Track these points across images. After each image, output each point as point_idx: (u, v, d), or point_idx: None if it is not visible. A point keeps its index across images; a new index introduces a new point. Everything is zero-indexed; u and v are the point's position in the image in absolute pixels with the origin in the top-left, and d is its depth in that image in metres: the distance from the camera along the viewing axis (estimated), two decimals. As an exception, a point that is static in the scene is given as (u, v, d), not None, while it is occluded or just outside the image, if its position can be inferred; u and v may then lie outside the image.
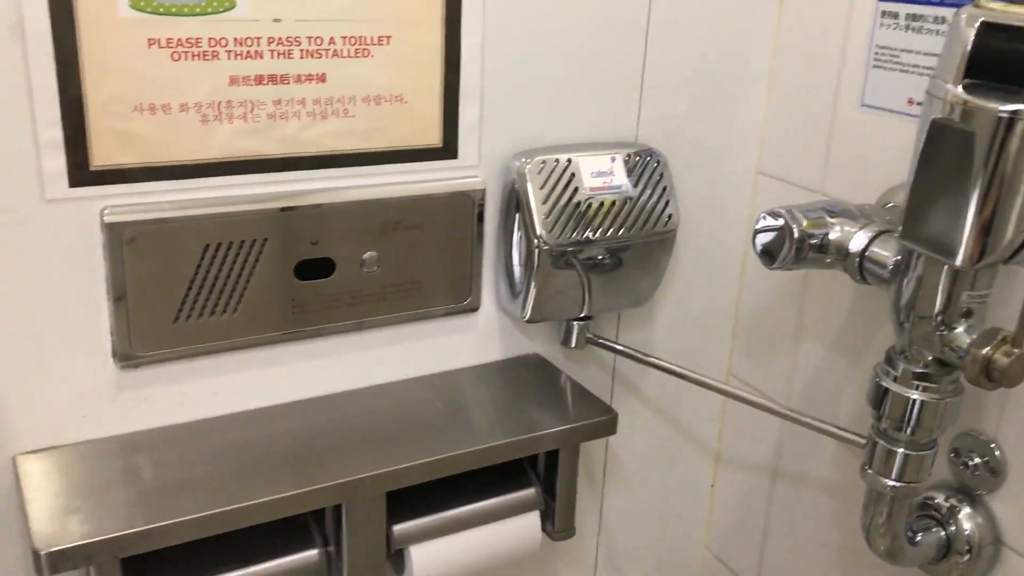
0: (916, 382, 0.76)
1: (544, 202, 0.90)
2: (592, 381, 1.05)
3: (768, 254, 0.86)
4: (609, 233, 0.92)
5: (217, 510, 0.73)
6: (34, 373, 0.77)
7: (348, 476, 0.79)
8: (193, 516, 0.72)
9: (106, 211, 0.75)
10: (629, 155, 0.94)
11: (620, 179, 0.93)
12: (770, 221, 0.85)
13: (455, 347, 0.96)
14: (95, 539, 0.69)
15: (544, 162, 0.90)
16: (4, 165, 0.71)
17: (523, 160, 0.90)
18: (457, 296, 0.94)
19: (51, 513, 0.71)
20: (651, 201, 0.95)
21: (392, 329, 0.92)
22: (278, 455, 0.81)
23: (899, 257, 0.78)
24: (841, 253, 0.82)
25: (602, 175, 0.92)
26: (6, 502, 0.78)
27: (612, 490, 1.14)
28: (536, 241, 0.90)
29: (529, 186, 0.90)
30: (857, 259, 0.81)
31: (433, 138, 0.88)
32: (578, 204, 0.91)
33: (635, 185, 0.94)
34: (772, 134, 1.05)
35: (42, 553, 0.67)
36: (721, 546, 1.22)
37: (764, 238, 0.86)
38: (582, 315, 0.98)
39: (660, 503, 1.19)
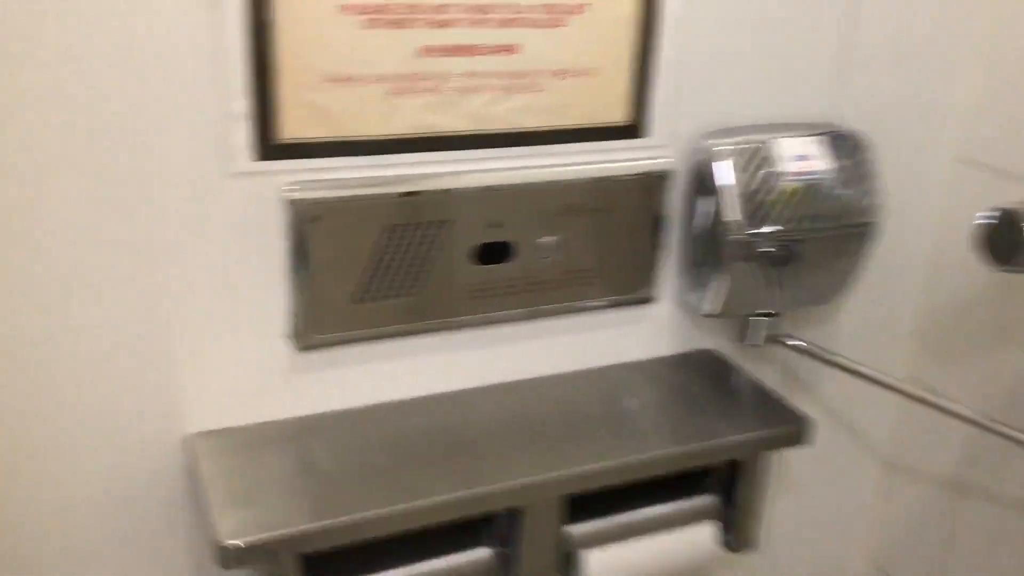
0: None
1: (738, 187, 0.83)
2: (767, 380, 0.98)
3: (995, 253, 0.77)
4: (805, 222, 0.85)
5: (399, 508, 0.69)
6: (209, 351, 0.74)
7: (528, 477, 0.74)
8: (376, 514, 0.69)
9: (290, 187, 0.71)
10: (832, 137, 0.86)
11: (821, 164, 0.85)
12: (997, 217, 0.76)
13: (629, 340, 0.90)
14: (279, 534, 0.66)
15: (739, 143, 0.83)
16: (189, 135, 0.68)
17: (716, 141, 0.83)
18: (634, 286, 0.88)
19: (231, 502, 0.68)
20: (852, 189, 0.87)
21: (565, 319, 0.86)
22: (456, 446, 0.77)
23: None
24: (1085, 254, 0.73)
25: (802, 159, 0.85)
26: (176, 481, 0.76)
27: (776, 497, 1.07)
28: (727, 230, 0.83)
29: (722, 169, 0.83)
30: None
31: (620, 115, 0.81)
32: (774, 190, 0.84)
33: (836, 171, 0.86)
34: (977, 118, 0.96)
35: (229, 547, 0.64)
36: (892, 562, 1.14)
37: (988, 234, 0.77)
38: (767, 311, 0.90)
39: (827, 513, 1.11)
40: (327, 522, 0.67)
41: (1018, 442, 0.83)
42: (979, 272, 0.96)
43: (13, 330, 0.67)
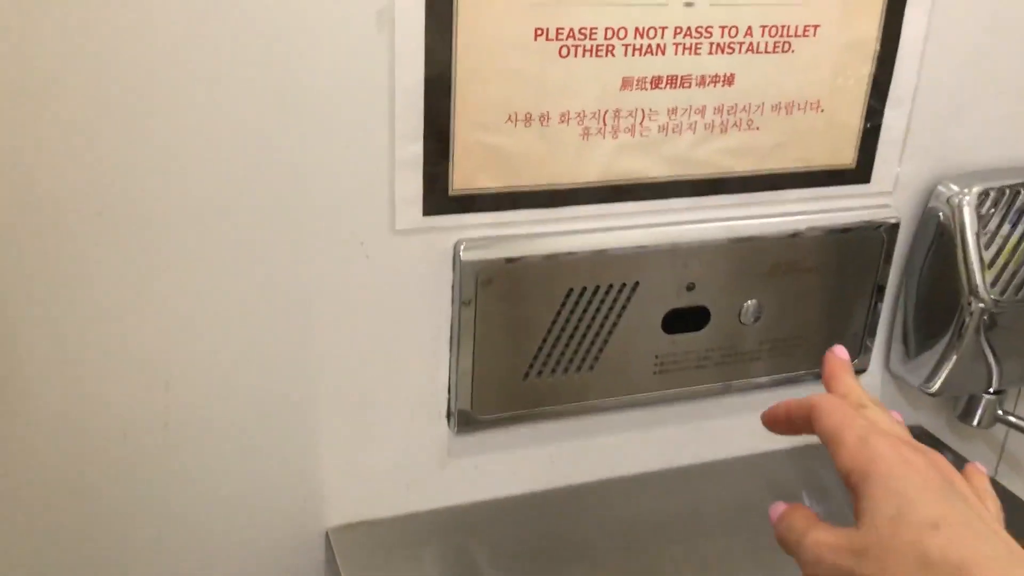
0: None
1: (987, 246, 0.68)
2: (977, 459, 0.83)
3: None
4: (1059, 288, 0.70)
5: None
6: (356, 433, 0.63)
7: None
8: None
9: (462, 246, 0.59)
10: (1103, 184, 0.71)
11: (1085, 219, 0.70)
12: None
13: (827, 415, 0.77)
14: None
15: (989, 192, 0.68)
16: (353, 186, 0.56)
17: (956, 188, 0.69)
18: (839, 354, 0.74)
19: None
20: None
21: (761, 393, 0.73)
22: (630, 543, 0.65)
23: None
24: None
25: (1063, 213, 0.70)
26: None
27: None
28: (969, 296, 0.69)
29: (966, 222, 0.68)
30: None
31: (845, 157, 0.68)
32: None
33: (1102, 227, 0.71)
34: None
35: None
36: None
37: None
38: (995, 388, 0.76)
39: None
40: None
41: None
42: None
43: (142, 409, 0.57)
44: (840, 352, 0.47)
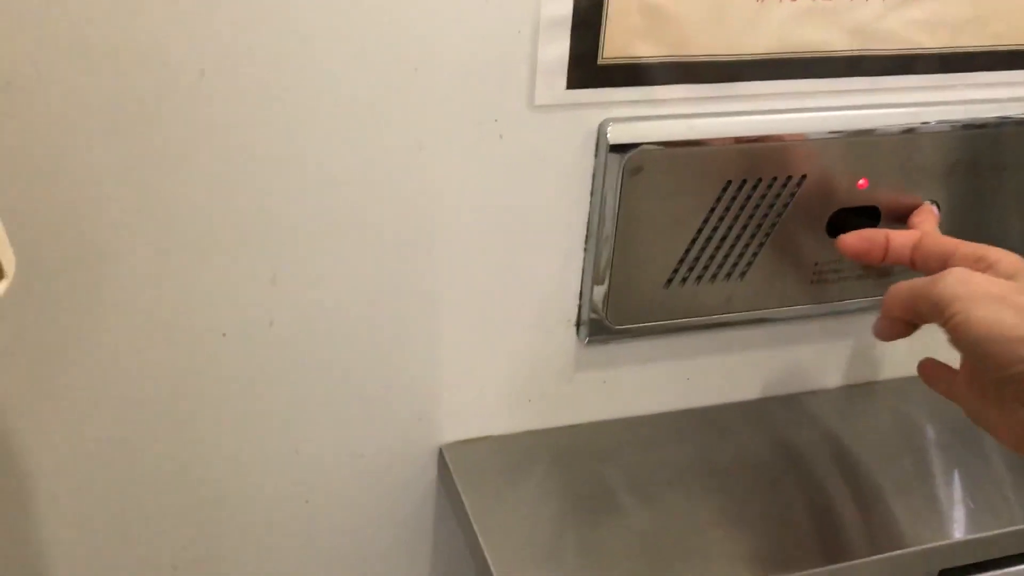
0: None
1: None
2: None
3: None
4: None
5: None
6: (477, 340, 0.56)
7: (897, 549, 0.54)
8: (713, 587, 0.50)
9: (609, 125, 0.51)
10: None
11: None
12: None
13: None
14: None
15: None
16: (489, 53, 0.48)
17: None
18: (1016, 268, 0.65)
19: (503, 539, 0.51)
20: None
21: (924, 309, 0.64)
22: (776, 476, 0.58)
23: None
24: None
25: None
26: (425, 500, 0.60)
27: None
28: None
29: None
30: None
31: (1055, 33, 0.57)
32: None
33: None
34: None
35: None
36: None
37: None
38: None
39: None
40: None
41: None
42: None
43: (254, 303, 0.51)
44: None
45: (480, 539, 0.52)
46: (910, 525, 0.55)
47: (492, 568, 0.50)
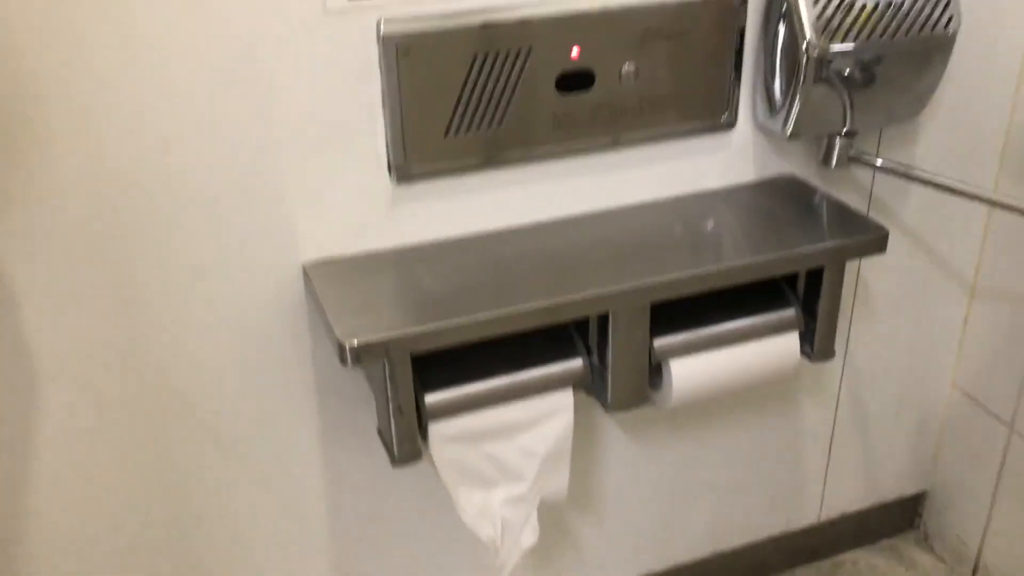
0: None
1: (814, 3, 0.84)
2: (849, 204, 1.00)
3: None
4: (882, 38, 0.86)
5: (498, 312, 0.76)
6: (318, 187, 0.81)
7: (616, 285, 0.79)
8: (477, 317, 0.75)
9: (383, 22, 0.76)
10: (909, -51, 0.86)
11: (898, -23, 0.85)
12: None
13: (709, 167, 0.94)
14: (392, 335, 0.73)
15: (816, -40, 0.84)
16: (290, -24, 0.73)
17: (791, -40, 0.84)
18: (713, 112, 0.91)
19: (348, 313, 0.76)
20: (929, 3, 0.87)
21: (647, 147, 0.90)
22: (545, 267, 0.83)
23: None
24: None
25: (879, -27, 0.85)
26: (297, 305, 0.84)
27: (859, 320, 1.10)
28: (805, 48, 0.84)
29: (799, -14, 0.84)
30: None
31: (696, -62, 0.83)
32: (851, 6, 0.84)
33: (914, -17, 0.86)
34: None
35: (347, 346, 0.72)
36: (973, 384, 1.17)
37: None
38: (845, 130, 0.92)
39: (908, 336, 1.14)
40: (432, 325, 0.74)
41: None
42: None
43: (136, 167, 0.75)
44: None
45: (321, 302, 0.76)
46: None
47: (330, 320, 0.74)
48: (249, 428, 0.88)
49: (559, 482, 0.89)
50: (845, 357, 1.12)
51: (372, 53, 0.77)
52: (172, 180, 0.76)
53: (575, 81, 0.84)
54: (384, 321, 0.75)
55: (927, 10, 0.87)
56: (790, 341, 0.91)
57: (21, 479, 0.82)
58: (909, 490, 1.28)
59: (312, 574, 0.97)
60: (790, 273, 0.90)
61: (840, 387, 1.14)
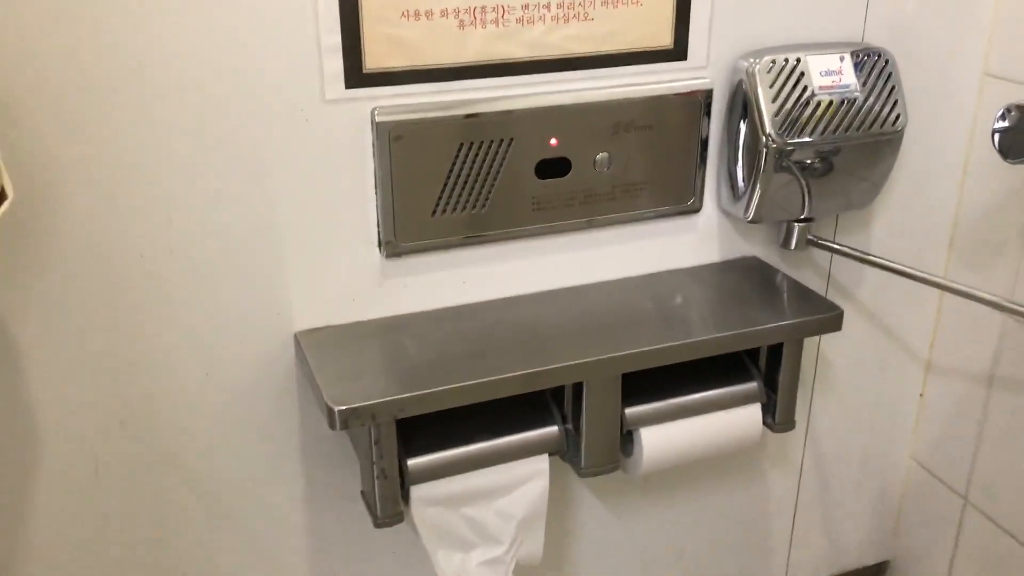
0: None
1: (773, 101, 0.92)
2: (808, 285, 1.07)
3: (1006, 146, 0.85)
4: (836, 133, 0.93)
5: (479, 380, 0.81)
6: (312, 260, 0.86)
7: (590, 357, 0.85)
8: (459, 384, 0.80)
9: (376, 111, 0.83)
10: (857, 54, 0.94)
11: (849, 78, 0.94)
12: (1010, 112, 0.84)
13: (677, 248, 1.00)
14: (378, 401, 0.78)
15: (774, 61, 0.92)
16: (292, 67, 0.79)
17: (752, 60, 0.92)
18: (681, 197, 0.98)
19: (336, 379, 0.81)
20: (879, 102, 0.95)
21: (619, 228, 0.97)
22: (523, 338, 0.88)
23: None
24: (1091, 144, 0.81)
25: (831, 74, 0.93)
26: (288, 372, 0.89)
27: (821, 394, 1.16)
28: (764, 140, 0.92)
29: (759, 85, 0.91)
30: (1109, 150, 0.79)
31: (665, 40, 0.91)
32: (807, 103, 0.92)
33: (863, 85, 0.94)
34: (1001, 34, 1.02)
35: (336, 410, 0.77)
36: (929, 456, 1.23)
37: (1002, 128, 0.85)
38: (803, 216, 0.99)
39: (867, 410, 1.20)
40: (417, 392, 0.79)
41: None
42: (1003, 179, 1.04)
43: (141, 240, 0.80)
44: None
45: (312, 369, 0.81)
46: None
47: (320, 385, 0.79)
48: (236, 489, 0.92)
49: (534, 545, 0.93)
50: (807, 429, 1.18)
51: (366, 139, 0.84)
52: (173, 253, 0.81)
53: (553, 168, 0.91)
54: (371, 387, 0.80)
55: (876, 107, 0.95)
56: (753, 412, 0.96)
57: (15, 532, 0.85)
58: (871, 560, 1.32)
59: (293, 635, 1.00)
60: (753, 348, 0.96)
61: (803, 458, 1.19)
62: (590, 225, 0.95)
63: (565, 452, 0.92)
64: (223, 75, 0.77)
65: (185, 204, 0.80)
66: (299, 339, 0.87)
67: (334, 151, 0.83)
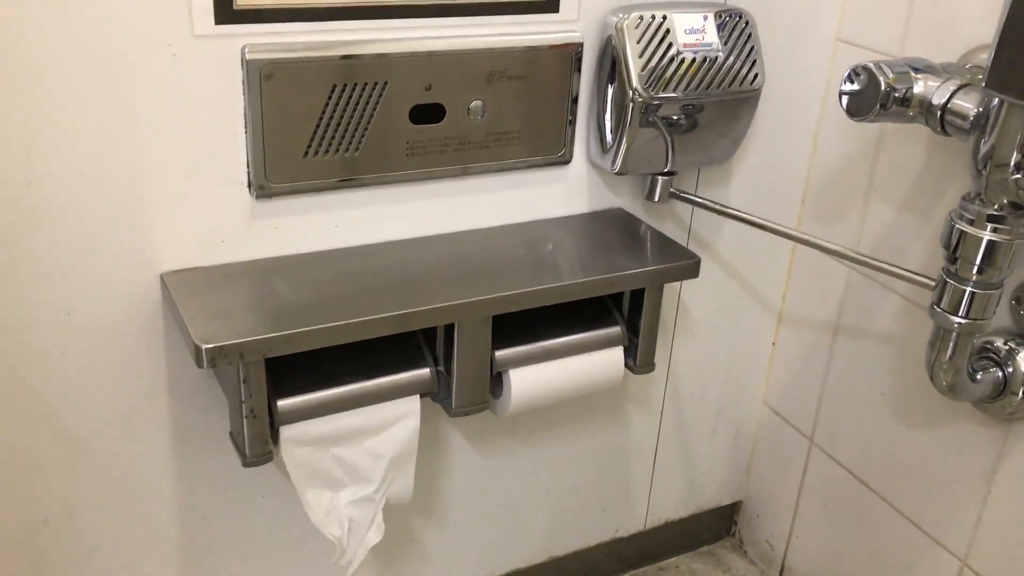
0: (990, 223, 0.82)
1: (640, 56, 0.95)
2: (670, 235, 1.12)
3: (853, 107, 0.91)
4: (699, 90, 0.98)
5: (349, 320, 0.82)
6: (179, 199, 0.85)
7: (461, 299, 0.87)
8: (329, 324, 0.81)
9: (247, 48, 0.82)
10: (720, 14, 0.99)
11: (711, 37, 0.98)
12: (857, 75, 0.90)
13: (547, 198, 1.03)
14: (247, 339, 0.78)
15: (641, 18, 0.95)
16: (161, 1, 0.77)
17: (621, 16, 0.95)
18: (552, 149, 1.00)
19: (204, 319, 0.80)
20: (739, 61, 1.00)
21: (491, 177, 0.99)
22: (396, 281, 0.90)
23: (980, 109, 0.83)
24: (923, 106, 0.87)
25: (695, 32, 0.97)
26: (154, 313, 0.88)
27: (680, 341, 1.22)
28: (631, 94, 0.95)
29: (627, 41, 0.95)
30: (939, 111, 0.86)
31: (538, -8, 0.93)
32: (671, 60, 0.96)
33: (724, 44, 0.99)
34: (854, 2, 1.09)
35: (203, 348, 0.77)
36: (779, 401, 1.31)
37: (850, 90, 0.91)
38: (667, 170, 1.04)
39: (723, 357, 1.27)
40: (286, 331, 0.80)
41: (890, 273, 0.98)
42: (852, 137, 1.11)
43: (4, 167, 0.77)
44: None
45: (179, 308, 0.81)
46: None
47: (186, 323, 0.79)
48: (100, 430, 0.90)
49: (405, 484, 0.96)
50: (668, 373, 1.24)
51: (236, 77, 0.83)
52: (34, 183, 0.79)
53: (427, 114, 0.92)
54: (239, 326, 0.80)
55: (736, 66, 1.00)
56: (616, 354, 1.01)
57: None
58: (726, 499, 1.41)
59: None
60: (616, 293, 1.00)
61: (664, 401, 1.26)
62: (464, 173, 0.97)
63: (436, 394, 0.94)
64: (91, 3, 0.75)
65: (46, 134, 0.77)
66: (165, 280, 0.86)
67: (203, 88, 0.82)
